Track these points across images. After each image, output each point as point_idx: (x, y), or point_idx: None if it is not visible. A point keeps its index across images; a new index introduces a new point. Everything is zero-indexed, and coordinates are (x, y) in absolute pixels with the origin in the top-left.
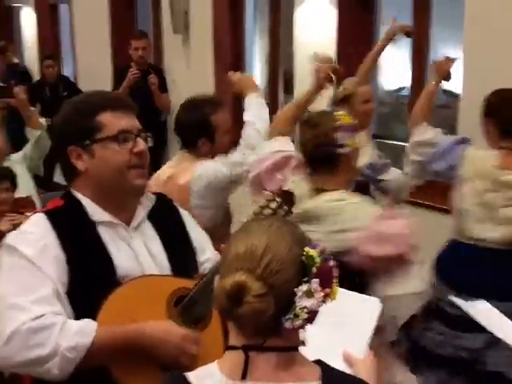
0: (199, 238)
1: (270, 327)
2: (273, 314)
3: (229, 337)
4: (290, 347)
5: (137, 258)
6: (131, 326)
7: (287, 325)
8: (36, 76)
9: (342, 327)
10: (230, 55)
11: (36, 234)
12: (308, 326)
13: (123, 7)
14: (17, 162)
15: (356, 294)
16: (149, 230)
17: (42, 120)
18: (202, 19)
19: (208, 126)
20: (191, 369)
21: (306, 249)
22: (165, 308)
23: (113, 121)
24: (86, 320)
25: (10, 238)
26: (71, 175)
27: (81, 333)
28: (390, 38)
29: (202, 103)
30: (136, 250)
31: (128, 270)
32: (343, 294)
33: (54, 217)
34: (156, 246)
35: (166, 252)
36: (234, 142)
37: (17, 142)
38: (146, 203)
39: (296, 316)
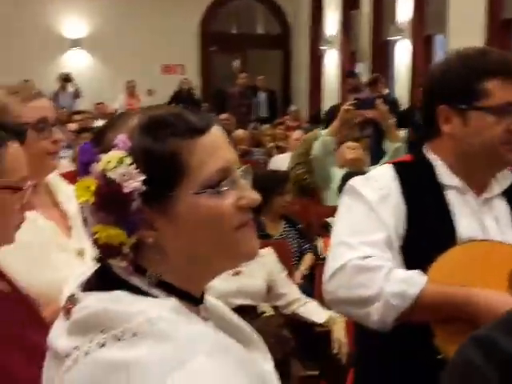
0: None
1: None
2: None
3: None
4: None
5: (483, 230)
6: (464, 290)
7: None
8: (405, 105)
9: None
10: None
11: (381, 181)
12: None
13: (500, 32)
14: None
15: None
16: (502, 206)
17: (401, 132)
18: None
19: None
20: None
21: None
22: (506, 279)
23: (503, 91)
24: (414, 271)
25: (355, 182)
26: (430, 133)
27: (408, 281)
28: None
29: None
30: (484, 222)
31: (470, 239)
32: None
33: (400, 169)
34: (507, 224)
35: None
36: None
37: (376, 155)
38: (502, 180)
39: None
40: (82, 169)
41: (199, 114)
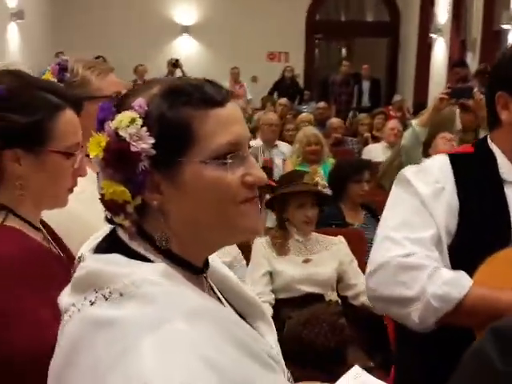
0: None
1: None
2: None
3: None
4: None
5: None
6: (508, 295)
7: None
8: None
9: None
10: None
11: (435, 174)
12: None
13: None
14: None
15: None
16: None
17: None
18: None
19: None
20: None
21: None
22: None
23: None
24: (459, 272)
25: (409, 172)
26: (491, 123)
27: (452, 283)
28: None
29: None
30: None
31: None
32: None
33: (458, 162)
34: None
35: None
36: None
37: None
38: None
39: None
40: (98, 125)
41: (218, 88)
